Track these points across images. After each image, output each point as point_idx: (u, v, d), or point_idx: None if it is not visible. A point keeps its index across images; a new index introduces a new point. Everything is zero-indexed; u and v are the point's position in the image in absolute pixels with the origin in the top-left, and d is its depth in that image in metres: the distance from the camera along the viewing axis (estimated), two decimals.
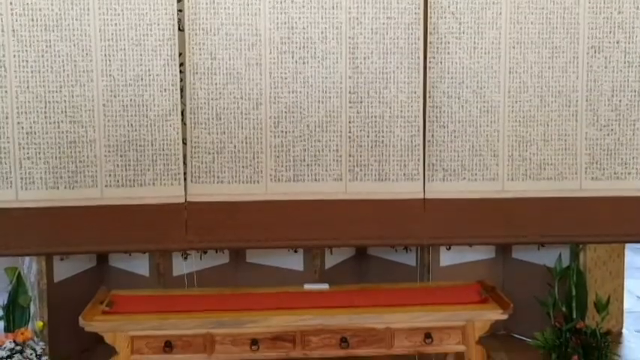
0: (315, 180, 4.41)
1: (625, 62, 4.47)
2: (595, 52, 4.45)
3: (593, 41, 4.44)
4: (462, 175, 4.48)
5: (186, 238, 4.39)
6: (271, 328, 4.01)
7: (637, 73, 4.47)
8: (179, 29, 4.29)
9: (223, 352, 4.02)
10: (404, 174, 4.44)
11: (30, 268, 4.66)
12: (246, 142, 4.36)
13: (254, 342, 3.99)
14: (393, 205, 4.46)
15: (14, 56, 4.18)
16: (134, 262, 5.06)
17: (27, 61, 4.19)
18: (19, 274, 4.31)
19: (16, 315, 4.30)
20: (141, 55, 4.25)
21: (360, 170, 4.43)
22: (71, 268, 4.89)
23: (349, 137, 4.40)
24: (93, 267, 5.11)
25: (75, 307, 4.15)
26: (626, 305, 5.56)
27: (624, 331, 5.41)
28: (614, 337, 4.71)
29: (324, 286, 4.49)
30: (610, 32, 4.45)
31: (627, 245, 5.41)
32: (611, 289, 5.14)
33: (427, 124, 4.44)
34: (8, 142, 4.22)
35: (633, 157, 4.54)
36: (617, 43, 4.46)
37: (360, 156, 4.42)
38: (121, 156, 4.32)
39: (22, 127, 4.23)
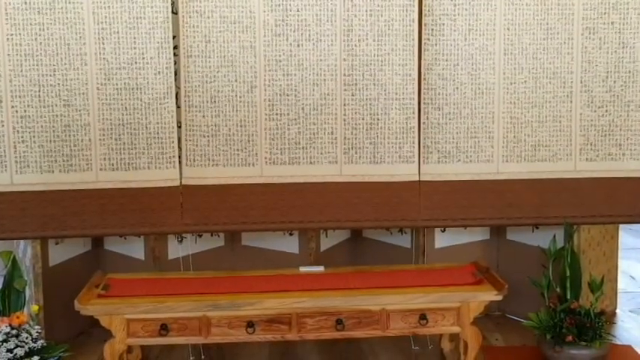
0: (310, 163, 4.41)
1: (619, 43, 4.47)
2: (589, 33, 4.45)
3: (587, 22, 4.44)
4: (457, 157, 4.49)
5: (182, 221, 4.39)
6: (267, 310, 4.02)
7: (631, 54, 4.48)
8: (173, 12, 4.27)
9: (219, 335, 4.02)
10: (399, 156, 4.45)
11: (25, 252, 4.66)
12: (240, 125, 4.36)
13: (250, 324, 4.00)
14: (388, 187, 4.47)
15: (7, 40, 4.17)
16: (129, 245, 5.06)
17: (20, 44, 4.18)
18: (14, 258, 4.30)
19: (11, 299, 4.28)
20: (135, 38, 4.23)
21: (355, 153, 4.44)
22: (66, 252, 4.89)
23: (344, 120, 4.40)
24: (88, 251, 5.10)
25: (70, 290, 4.15)
26: (619, 285, 5.58)
27: (618, 311, 5.43)
28: (608, 317, 4.71)
29: (320, 269, 4.50)
30: (604, 13, 4.45)
31: (621, 226, 5.42)
32: (605, 270, 5.15)
33: (422, 106, 4.44)
34: (2, 125, 4.21)
35: (627, 139, 4.55)
36: (612, 24, 4.46)
37: (355, 138, 4.42)
38: (115, 139, 4.31)
39: (17, 111, 4.22)
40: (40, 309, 4.47)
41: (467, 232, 5.15)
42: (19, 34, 4.16)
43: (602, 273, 4.89)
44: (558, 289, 4.50)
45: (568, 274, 4.47)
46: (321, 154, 4.41)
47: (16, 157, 4.24)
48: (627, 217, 4.78)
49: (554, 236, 4.67)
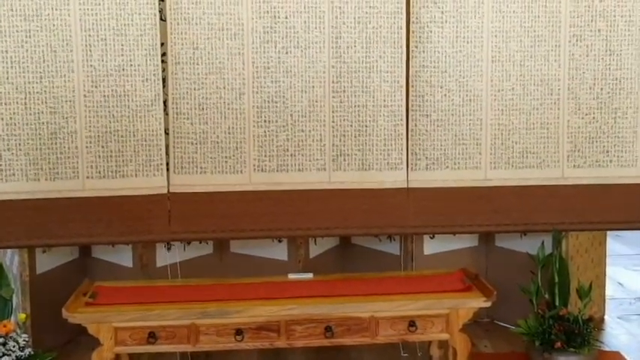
0: (299, 170, 4.41)
1: (606, 50, 4.49)
2: (577, 40, 4.47)
3: (574, 30, 4.46)
4: (445, 163, 4.49)
5: (170, 229, 4.38)
6: (256, 318, 4.00)
7: (618, 61, 4.50)
8: (161, 19, 4.27)
9: (208, 343, 4.00)
10: (387, 163, 4.45)
11: (12, 260, 4.63)
12: (229, 132, 4.35)
13: (238, 332, 3.98)
14: (376, 194, 4.47)
15: None
16: (117, 253, 5.04)
17: (6, 51, 4.16)
18: (1, 266, 4.28)
19: None
20: (122, 45, 4.22)
21: (344, 160, 4.43)
22: (54, 260, 4.86)
23: (333, 127, 4.40)
24: (76, 259, 5.08)
25: (58, 299, 4.12)
26: (607, 292, 5.60)
27: (606, 317, 5.44)
28: (596, 324, 4.73)
29: (309, 276, 4.49)
30: (591, 21, 4.47)
31: (608, 232, 5.43)
32: (593, 276, 5.16)
33: (410, 113, 4.44)
34: None
35: (615, 145, 4.57)
36: (599, 31, 4.48)
37: (344, 145, 4.42)
38: (102, 147, 4.29)
39: (2, 119, 4.20)
40: (27, 317, 4.45)
41: (455, 238, 5.15)
42: (5, 40, 4.14)
43: (590, 279, 4.90)
44: (547, 296, 4.51)
45: (556, 280, 4.48)
46: (310, 161, 4.41)
47: (1, 165, 4.22)
48: (615, 224, 4.81)
49: (543, 243, 4.68)
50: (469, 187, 4.53)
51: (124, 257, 5.04)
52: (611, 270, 5.70)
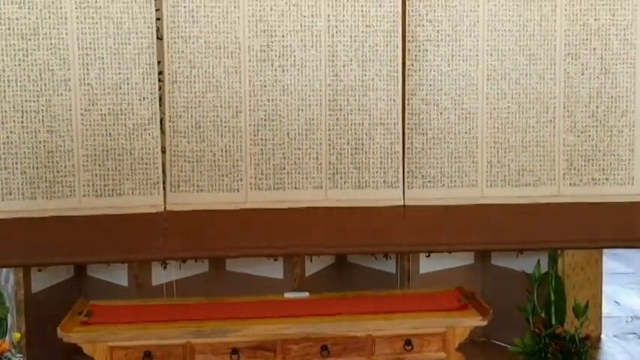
0: (296, 188, 4.41)
1: (601, 69, 4.51)
2: (572, 59, 4.49)
3: (569, 48, 4.48)
4: (441, 181, 4.49)
5: (166, 247, 4.36)
6: (252, 337, 3.99)
7: (613, 79, 4.51)
8: (158, 37, 4.27)
9: None
10: (384, 181, 4.45)
11: (7, 279, 4.62)
12: (225, 151, 4.35)
13: (234, 351, 3.97)
14: (373, 212, 4.46)
15: None
16: (113, 272, 5.03)
17: (4, 70, 4.16)
18: None
19: None
20: (119, 63, 4.23)
21: (340, 178, 4.43)
22: (49, 279, 4.85)
23: (329, 145, 4.40)
24: (71, 277, 5.07)
25: (53, 318, 4.11)
26: (604, 310, 5.59)
27: (603, 336, 5.44)
28: (592, 342, 4.72)
29: (305, 294, 4.48)
30: (586, 39, 4.49)
31: (604, 251, 5.44)
32: (590, 295, 5.17)
33: (406, 131, 4.45)
34: None
35: (610, 164, 4.58)
36: (594, 50, 4.50)
37: (340, 163, 4.42)
38: (99, 165, 4.28)
39: None
40: (22, 336, 4.43)
41: (451, 257, 5.16)
42: (3, 59, 4.14)
43: (586, 298, 4.90)
44: (543, 314, 4.52)
45: (553, 299, 4.48)
46: (306, 179, 4.41)
47: None
48: (611, 242, 4.80)
49: (539, 261, 4.70)
50: (465, 205, 4.52)
51: (119, 276, 5.03)
52: (607, 288, 5.69)
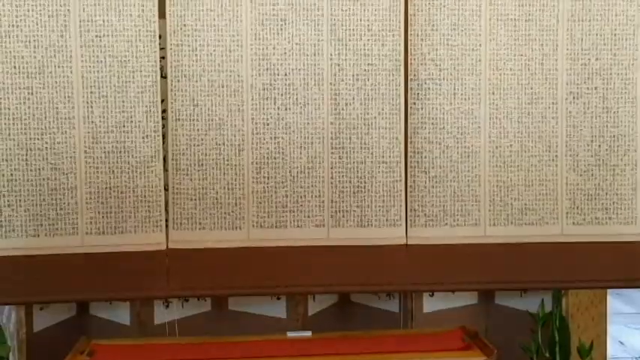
0: (298, 226, 4.41)
1: (603, 108, 4.52)
2: (574, 98, 4.51)
3: (571, 87, 4.50)
4: (444, 220, 4.49)
5: (168, 285, 4.36)
6: None
7: (615, 118, 4.53)
8: (161, 76, 4.31)
9: None
10: (386, 219, 4.45)
11: (9, 317, 4.60)
12: (228, 188, 4.36)
13: None
14: (375, 251, 4.45)
15: None
16: (115, 310, 5.00)
17: (9, 108, 4.19)
18: None
19: None
20: (123, 101, 4.25)
21: (343, 216, 4.43)
22: (51, 317, 4.83)
23: (331, 183, 4.41)
24: (73, 316, 5.04)
25: (55, 357, 4.09)
26: (609, 351, 5.54)
27: None
28: None
29: (307, 334, 4.46)
30: (588, 79, 4.51)
31: (609, 291, 5.41)
32: (594, 335, 5.12)
33: (409, 169, 4.46)
34: None
35: (614, 203, 4.57)
36: (595, 89, 4.52)
37: (343, 202, 4.43)
38: (102, 203, 4.29)
39: (3, 175, 4.20)
40: None
41: (455, 296, 5.12)
42: (8, 97, 4.17)
43: (591, 338, 4.86)
44: (547, 355, 4.47)
45: (557, 339, 4.45)
46: (309, 217, 4.41)
47: (1, 221, 4.21)
48: (615, 282, 4.77)
49: (542, 300, 4.66)
50: (468, 244, 4.51)
51: (121, 314, 5.00)
52: (612, 329, 5.65)
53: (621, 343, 6.14)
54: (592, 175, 4.55)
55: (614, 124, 4.53)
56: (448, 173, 4.47)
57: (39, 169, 4.23)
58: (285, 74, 4.35)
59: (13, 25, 4.15)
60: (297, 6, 4.35)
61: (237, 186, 4.36)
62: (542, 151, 4.51)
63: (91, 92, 4.24)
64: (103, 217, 4.29)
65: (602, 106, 4.52)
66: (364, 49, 4.38)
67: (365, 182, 4.43)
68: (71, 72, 4.22)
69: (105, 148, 4.26)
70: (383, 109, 4.41)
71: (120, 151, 4.27)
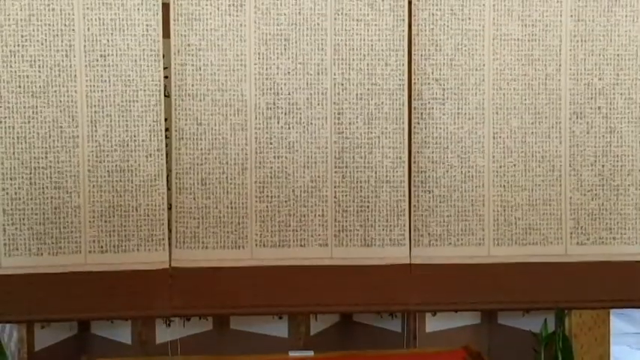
0: (301, 245, 4.40)
1: (607, 128, 4.52)
2: (577, 117, 4.51)
3: (575, 107, 4.50)
4: (448, 240, 4.48)
5: (171, 304, 4.35)
6: None
7: (619, 138, 4.53)
8: (165, 95, 4.31)
9: None
10: (390, 239, 4.44)
11: (11, 336, 4.58)
12: (231, 207, 4.36)
13: None
14: (378, 270, 4.44)
15: (0, 123, 4.18)
16: (116, 329, 4.98)
17: (13, 127, 4.19)
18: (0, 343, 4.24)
19: None
20: (127, 121, 4.26)
21: (346, 235, 4.43)
22: (52, 336, 4.81)
23: (335, 202, 4.40)
24: (74, 335, 5.02)
25: None
26: None
27: None
28: None
29: (310, 353, 4.44)
30: (591, 98, 4.52)
31: (612, 311, 5.38)
32: (597, 355, 5.10)
33: (412, 188, 4.45)
34: None
35: (617, 222, 4.56)
36: (599, 109, 4.52)
37: (346, 221, 4.42)
38: (105, 222, 4.29)
39: (7, 193, 4.20)
40: None
41: (458, 315, 5.11)
42: (12, 117, 4.18)
43: (594, 358, 4.84)
44: None
45: (560, 359, 4.43)
46: (312, 236, 4.40)
47: (5, 239, 4.21)
48: (619, 302, 4.76)
49: (546, 320, 4.65)
50: (472, 264, 4.50)
51: (123, 333, 4.98)
52: (615, 349, 5.62)
53: None
54: (596, 194, 4.54)
55: (617, 143, 4.53)
56: (452, 193, 4.47)
57: (43, 188, 4.23)
58: (289, 93, 4.36)
59: (18, 45, 4.17)
60: (300, 26, 4.37)
61: (240, 205, 4.36)
62: (546, 170, 4.51)
63: (95, 111, 4.24)
64: (106, 235, 4.29)
65: (606, 125, 4.52)
66: (368, 69, 4.38)
67: (368, 202, 4.42)
68: (75, 91, 4.22)
69: (108, 167, 4.26)
70: (386, 129, 4.41)
71: (123, 170, 4.27)
